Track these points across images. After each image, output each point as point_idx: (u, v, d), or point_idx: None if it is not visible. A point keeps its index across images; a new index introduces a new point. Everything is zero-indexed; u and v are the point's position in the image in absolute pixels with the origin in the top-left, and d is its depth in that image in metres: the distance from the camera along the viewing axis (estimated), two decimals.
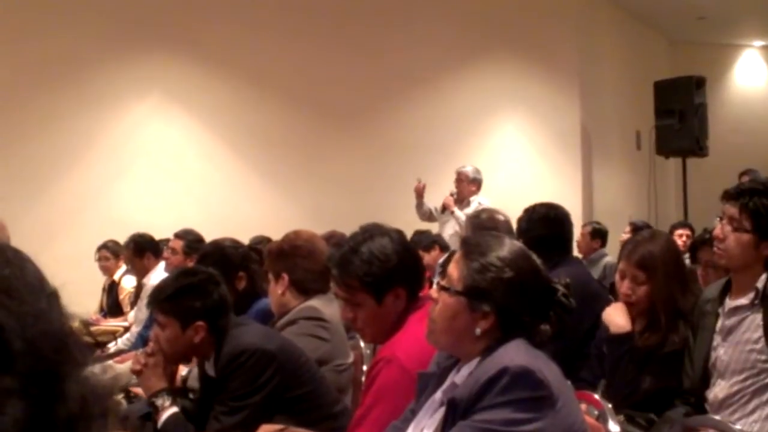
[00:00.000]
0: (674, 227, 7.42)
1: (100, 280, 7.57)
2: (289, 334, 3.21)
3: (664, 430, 2.82)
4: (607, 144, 10.90)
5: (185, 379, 3.44)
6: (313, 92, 9.38)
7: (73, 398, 0.78)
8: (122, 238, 6.77)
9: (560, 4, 9.90)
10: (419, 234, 7.28)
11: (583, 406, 2.38)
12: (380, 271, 2.46)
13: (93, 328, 6.62)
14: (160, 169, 9.07)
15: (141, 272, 6.39)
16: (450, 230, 7.64)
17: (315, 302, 3.39)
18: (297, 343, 3.04)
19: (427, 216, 8.14)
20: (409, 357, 2.35)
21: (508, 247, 2.01)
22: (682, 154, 10.14)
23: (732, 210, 2.79)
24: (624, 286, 3.16)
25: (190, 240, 5.48)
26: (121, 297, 7.21)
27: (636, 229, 6.69)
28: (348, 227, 2.78)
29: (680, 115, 9.86)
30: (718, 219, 2.94)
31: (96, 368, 0.89)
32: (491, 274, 1.95)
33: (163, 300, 2.90)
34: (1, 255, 0.84)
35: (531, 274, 1.99)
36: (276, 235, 4.04)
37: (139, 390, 3.56)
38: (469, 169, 7.98)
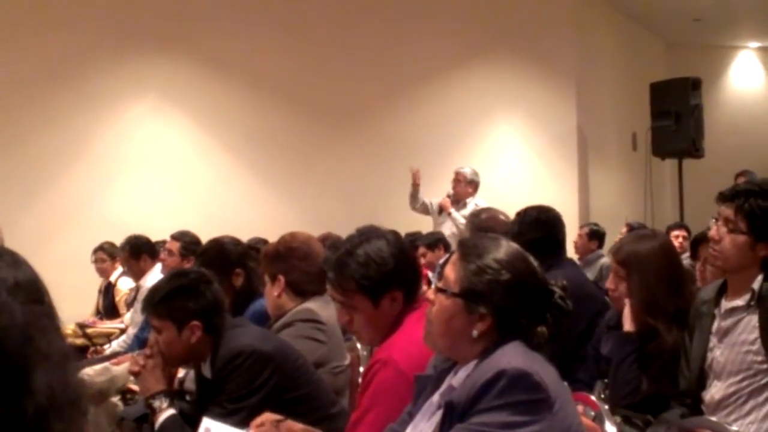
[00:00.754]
0: (670, 228, 7.43)
1: (97, 282, 7.56)
2: (285, 336, 3.21)
3: None
4: (604, 145, 10.92)
5: (182, 381, 3.43)
6: (310, 94, 9.38)
7: (41, 391, 0.77)
8: (118, 240, 6.77)
9: (557, 6, 9.91)
10: (410, 235, 7.08)
11: (580, 408, 2.39)
12: (377, 274, 2.45)
13: (89, 330, 6.61)
14: (156, 171, 9.06)
15: (137, 274, 6.39)
16: (447, 231, 7.64)
17: (311, 304, 3.39)
18: (294, 345, 3.04)
19: (422, 208, 8.11)
20: (405, 359, 2.34)
21: (505, 249, 2.00)
22: (679, 155, 10.15)
23: (727, 211, 2.79)
24: (608, 281, 3.27)
25: (187, 242, 5.47)
26: (117, 299, 7.20)
27: (632, 230, 6.70)
28: (344, 229, 2.78)
29: (676, 116, 9.87)
30: (714, 220, 2.95)
31: (74, 361, 0.88)
32: (488, 277, 1.95)
33: (156, 303, 2.90)
34: None
35: (528, 276, 1.99)
36: (273, 236, 4.04)
37: (135, 387, 3.57)
38: (467, 171, 7.99)
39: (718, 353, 2.84)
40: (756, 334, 2.74)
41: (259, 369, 2.80)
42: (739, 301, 2.81)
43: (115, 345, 6.09)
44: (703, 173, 10.46)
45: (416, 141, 9.51)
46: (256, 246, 4.91)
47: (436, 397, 2.03)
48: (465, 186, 7.92)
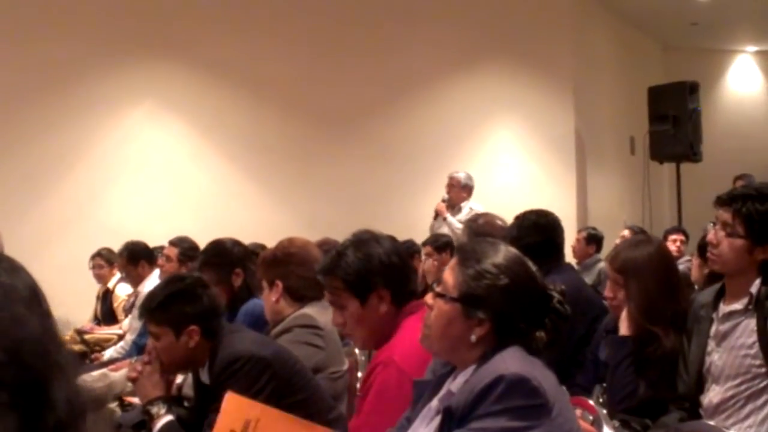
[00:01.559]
0: (668, 232, 7.45)
1: (94, 288, 7.55)
2: (283, 341, 3.21)
3: None
4: (602, 149, 10.92)
5: (180, 387, 3.43)
6: (308, 99, 9.38)
7: (60, 404, 0.77)
8: (116, 246, 6.76)
9: (554, 10, 9.92)
10: (403, 243, 6.97)
11: (578, 412, 2.39)
12: (362, 270, 2.51)
13: (86, 336, 6.60)
14: (154, 176, 9.05)
15: (136, 280, 6.38)
16: None
17: (309, 310, 3.39)
18: (292, 351, 3.03)
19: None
20: (406, 360, 2.37)
21: (504, 253, 2.01)
22: (676, 159, 10.16)
23: (725, 215, 2.80)
24: (606, 289, 3.26)
25: (185, 247, 5.47)
26: (115, 305, 7.19)
27: (633, 234, 6.72)
28: (342, 234, 2.79)
29: (674, 120, 9.88)
30: (712, 224, 2.95)
31: (80, 370, 0.88)
32: (487, 281, 1.95)
33: (153, 309, 2.90)
34: None
35: (527, 280, 1.99)
36: (271, 242, 4.04)
37: (132, 399, 3.55)
38: (461, 175, 8.00)
39: (716, 357, 2.84)
40: (754, 337, 2.74)
41: (257, 374, 2.79)
42: (737, 305, 2.82)
43: (113, 351, 6.08)
44: (701, 177, 10.46)
45: (414, 146, 9.51)
46: (254, 251, 4.92)
47: (434, 403, 2.03)
48: (459, 191, 7.92)
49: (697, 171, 10.53)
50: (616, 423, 2.81)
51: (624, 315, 3.14)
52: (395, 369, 2.36)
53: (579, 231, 8.18)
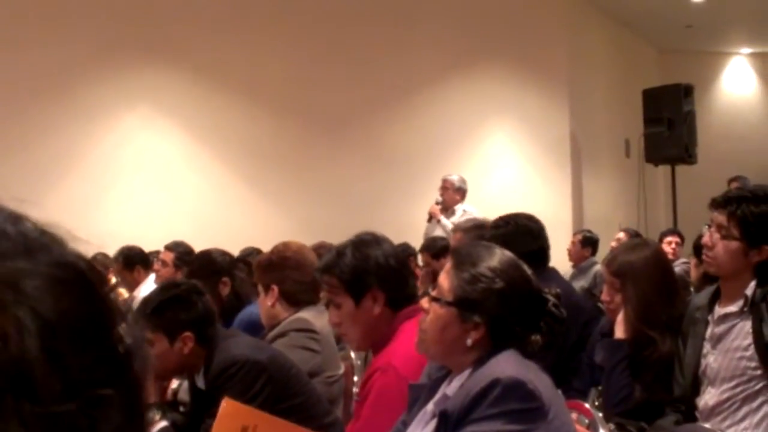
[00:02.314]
0: (663, 234, 7.44)
1: None
2: (279, 346, 3.21)
3: None
4: (597, 152, 10.94)
5: (175, 392, 3.42)
6: (303, 103, 9.38)
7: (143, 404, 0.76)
8: (112, 251, 6.74)
9: (549, 13, 9.94)
10: (398, 246, 6.99)
11: (574, 415, 2.39)
12: (357, 269, 2.54)
13: None
14: (149, 181, 9.05)
15: (131, 285, 6.37)
16: None
17: (305, 314, 3.39)
18: (288, 355, 3.03)
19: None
20: (405, 365, 2.37)
21: (499, 257, 2.01)
22: (671, 161, 10.17)
23: (720, 218, 2.80)
24: (603, 293, 3.27)
25: (181, 252, 5.46)
26: None
27: (629, 236, 6.74)
28: (338, 238, 2.79)
29: (669, 122, 9.89)
30: (707, 227, 2.95)
31: None
32: (482, 285, 1.95)
33: (147, 315, 2.89)
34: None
35: (522, 284, 1.99)
36: (267, 246, 4.04)
37: None
38: (454, 178, 8.00)
39: (711, 359, 2.84)
40: (749, 340, 2.74)
41: (252, 379, 2.79)
42: (733, 307, 2.82)
43: None
44: (696, 179, 10.48)
45: (409, 149, 9.52)
46: (247, 258, 4.94)
47: (430, 406, 2.03)
48: (453, 193, 7.93)
49: (692, 173, 10.55)
50: (612, 426, 2.81)
51: (620, 318, 3.14)
52: (394, 374, 2.36)
53: (574, 234, 8.18)
